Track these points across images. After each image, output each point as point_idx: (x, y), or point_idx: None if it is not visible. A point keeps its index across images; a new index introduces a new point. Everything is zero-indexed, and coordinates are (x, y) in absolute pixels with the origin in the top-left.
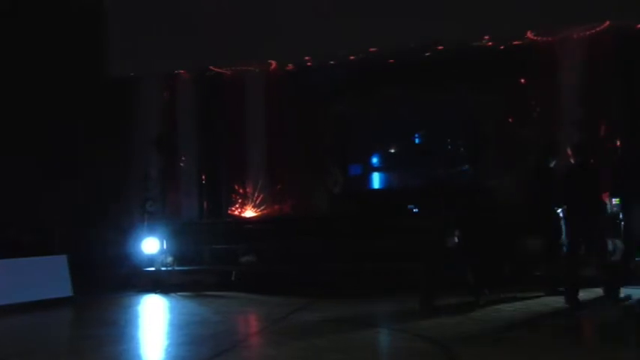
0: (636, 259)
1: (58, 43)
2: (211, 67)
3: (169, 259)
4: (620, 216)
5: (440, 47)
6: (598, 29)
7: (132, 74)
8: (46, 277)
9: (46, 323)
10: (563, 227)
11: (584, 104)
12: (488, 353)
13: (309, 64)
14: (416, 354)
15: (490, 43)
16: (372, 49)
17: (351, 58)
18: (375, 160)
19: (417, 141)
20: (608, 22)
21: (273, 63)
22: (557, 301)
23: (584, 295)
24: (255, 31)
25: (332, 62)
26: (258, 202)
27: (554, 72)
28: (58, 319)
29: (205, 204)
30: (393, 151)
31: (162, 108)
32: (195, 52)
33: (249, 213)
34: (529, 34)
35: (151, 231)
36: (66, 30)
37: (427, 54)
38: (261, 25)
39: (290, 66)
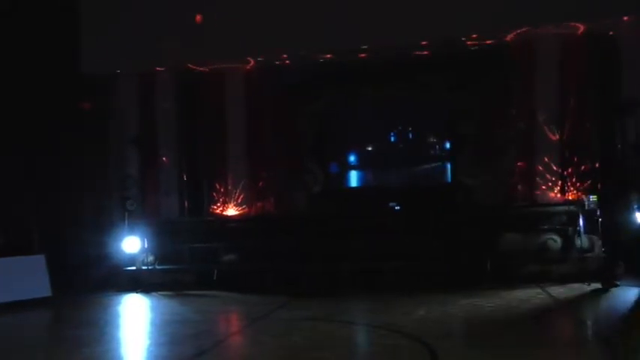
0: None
1: (34, 42)
2: (190, 65)
3: (150, 258)
4: (598, 213)
5: (419, 47)
6: (573, 30)
7: (109, 73)
8: (24, 277)
9: (24, 324)
10: None
11: (560, 104)
12: (467, 349)
13: (287, 62)
14: (396, 350)
15: (469, 43)
16: (351, 49)
17: (331, 56)
18: (353, 158)
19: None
20: (583, 24)
21: (252, 61)
22: (537, 297)
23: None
24: (234, 29)
25: (312, 61)
26: (239, 200)
27: (531, 72)
28: (36, 319)
29: (186, 202)
30: (370, 149)
31: (141, 106)
32: (174, 49)
33: (231, 211)
34: (506, 35)
35: (132, 230)
36: (41, 29)
37: (406, 53)
38: (240, 22)
39: (269, 65)
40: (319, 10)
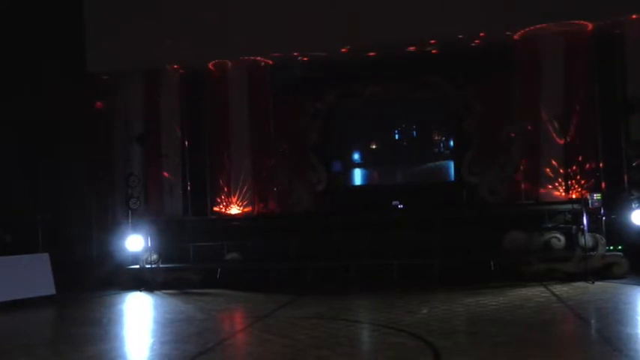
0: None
1: (37, 41)
2: (194, 64)
3: (154, 257)
4: (602, 211)
5: (423, 45)
6: (577, 28)
7: (113, 71)
8: (28, 275)
9: (28, 322)
10: None
11: (564, 102)
12: (470, 348)
13: (291, 61)
14: (400, 348)
15: (475, 42)
16: (355, 47)
17: (335, 55)
18: (357, 156)
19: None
20: (587, 22)
21: (256, 60)
22: (540, 296)
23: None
24: (237, 27)
25: (316, 60)
26: (243, 199)
27: (535, 70)
28: (40, 317)
29: (190, 201)
30: (374, 147)
31: (145, 105)
32: (178, 48)
33: (234, 210)
34: (511, 33)
35: (135, 228)
36: (44, 28)
37: (410, 51)
38: (243, 22)
39: (274, 63)
40: (321, 9)
